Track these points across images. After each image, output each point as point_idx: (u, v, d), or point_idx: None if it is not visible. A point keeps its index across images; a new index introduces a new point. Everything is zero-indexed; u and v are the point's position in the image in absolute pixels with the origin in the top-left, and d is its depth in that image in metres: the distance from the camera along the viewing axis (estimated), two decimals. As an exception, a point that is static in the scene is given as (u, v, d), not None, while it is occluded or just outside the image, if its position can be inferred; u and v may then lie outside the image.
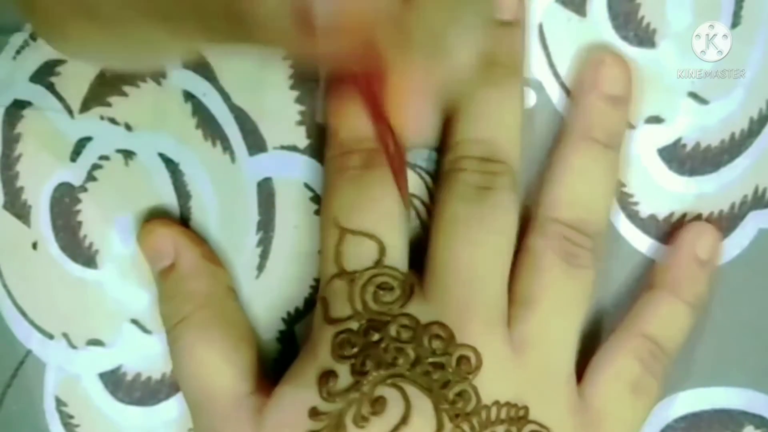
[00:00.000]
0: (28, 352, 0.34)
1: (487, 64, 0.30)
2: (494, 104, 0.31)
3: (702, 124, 0.32)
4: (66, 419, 0.34)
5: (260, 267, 0.33)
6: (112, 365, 0.34)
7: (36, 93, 0.33)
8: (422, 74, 0.23)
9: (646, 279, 0.33)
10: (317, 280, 0.32)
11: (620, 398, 0.31)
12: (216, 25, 0.22)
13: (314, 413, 0.29)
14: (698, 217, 0.33)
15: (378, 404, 0.28)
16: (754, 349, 0.33)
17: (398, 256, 0.30)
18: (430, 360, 0.29)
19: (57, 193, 0.34)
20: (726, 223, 0.33)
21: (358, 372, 0.29)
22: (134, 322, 0.34)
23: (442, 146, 0.32)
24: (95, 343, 0.34)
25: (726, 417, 0.33)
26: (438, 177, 0.32)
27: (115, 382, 0.34)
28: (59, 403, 0.34)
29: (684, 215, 0.33)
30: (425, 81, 0.24)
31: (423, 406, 0.29)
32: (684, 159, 0.32)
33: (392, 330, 0.29)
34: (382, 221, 0.30)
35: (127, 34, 0.24)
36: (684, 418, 0.33)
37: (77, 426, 0.34)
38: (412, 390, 0.29)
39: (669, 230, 0.33)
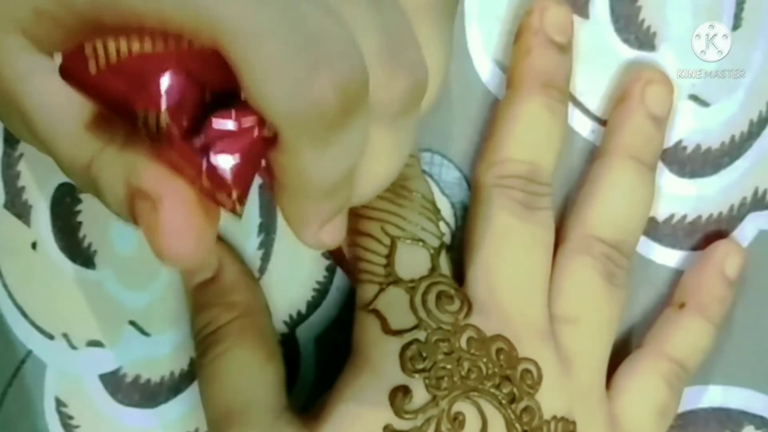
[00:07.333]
0: (29, 353, 0.34)
1: (544, 85, 0.30)
2: (546, 127, 0.31)
3: (702, 127, 0.32)
4: (66, 420, 0.34)
5: (262, 270, 0.33)
6: (112, 367, 0.34)
7: (35, 92, 0.33)
8: (310, 208, 0.23)
9: (647, 281, 0.33)
10: (319, 283, 0.33)
11: (648, 421, 0.31)
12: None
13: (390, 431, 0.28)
14: (698, 219, 0.33)
15: (457, 421, 0.28)
16: (755, 349, 0.33)
17: (445, 264, 0.30)
18: (499, 374, 0.29)
19: (58, 193, 0.33)
20: (725, 224, 0.33)
21: (434, 387, 0.28)
22: (132, 323, 0.33)
23: (481, 154, 0.32)
24: (95, 344, 0.34)
25: (724, 416, 0.33)
26: (475, 188, 0.32)
27: (114, 383, 0.34)
28: (59, 403, 0.34)
29: (684, 217, 0.33)
30: (314, 212, 0.23)
31: (497, 421, 0.28)
32: (684, 161, 0.33)
33: (462, 342, 0.29)
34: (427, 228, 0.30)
35: None
36: (681, 416, 0.33)
37: (77, 427, 0.34)
38: (486, 405, 0.28)
39: (670, 233, 0.33)
